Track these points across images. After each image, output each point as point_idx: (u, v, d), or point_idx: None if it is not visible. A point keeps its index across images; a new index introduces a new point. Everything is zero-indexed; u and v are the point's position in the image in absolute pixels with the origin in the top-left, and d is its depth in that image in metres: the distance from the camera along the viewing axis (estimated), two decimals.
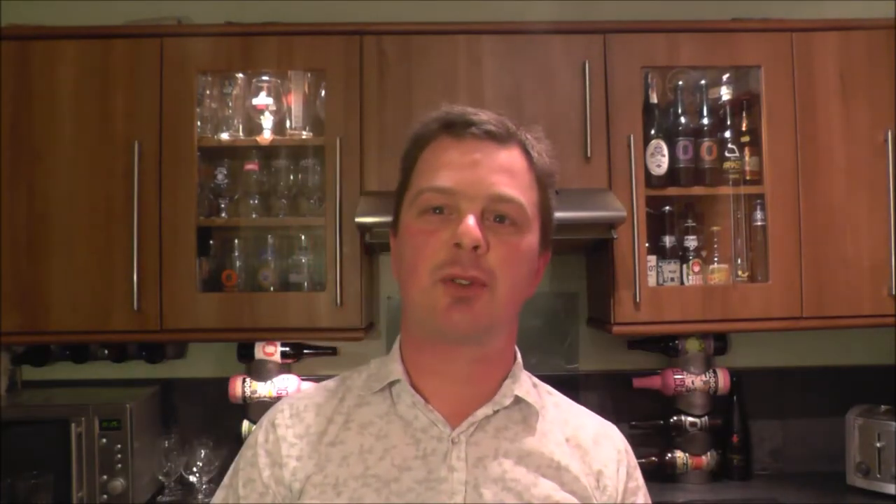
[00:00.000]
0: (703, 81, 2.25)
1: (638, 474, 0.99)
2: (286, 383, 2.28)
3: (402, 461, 0.87)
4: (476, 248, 0.84)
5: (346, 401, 0.93)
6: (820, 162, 2.13)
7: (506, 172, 0.88)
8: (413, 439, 0.89)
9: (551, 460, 0.90)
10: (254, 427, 0.99)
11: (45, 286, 2.05)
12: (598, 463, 0.93)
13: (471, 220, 0.84)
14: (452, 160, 0.88)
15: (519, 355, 0.98)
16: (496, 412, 0.91)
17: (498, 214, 0.86)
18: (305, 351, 2.35)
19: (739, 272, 2.22)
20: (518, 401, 0.93)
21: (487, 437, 0.90)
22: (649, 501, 0.99)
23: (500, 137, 0.89)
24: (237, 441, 2.19)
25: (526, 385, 0.95)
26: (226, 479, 0.94)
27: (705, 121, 2.21)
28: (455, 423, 0.89)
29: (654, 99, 2.21)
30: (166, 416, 2.38)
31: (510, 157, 0.89)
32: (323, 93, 2.16)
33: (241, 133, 2.20)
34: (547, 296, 2.46)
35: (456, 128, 0.89)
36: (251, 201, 2.25)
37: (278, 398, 2.20)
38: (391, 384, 0.92)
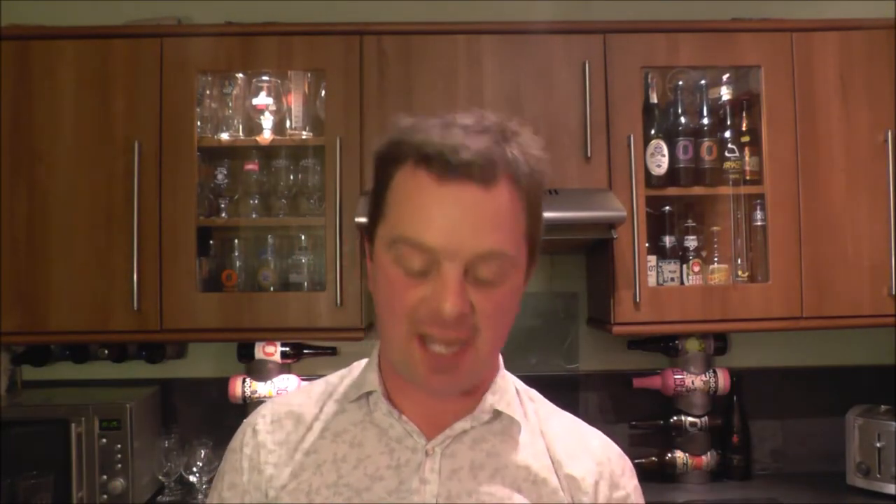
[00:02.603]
0: (703, 81, 2.24)
1: (625, 481, 0.92)
2: (286, 383, 2.28)
3: (375, 470, 0.85)
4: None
5: (326, 407, 0.92)
6: (820, 162, 2.13)
7: (490, 222, 0.78)
8: (387, 448, 0.87)
9: (528, 473, 0.87)
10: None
11: (45, 286, 2.05)
12: (575, 475, 0.89)
13: (454, 287, 0.77)
14: (432, 210, 0.78)
15: (501, 361, 0.93)
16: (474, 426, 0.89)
17: (482, 275, 0.79)
18: (305, 351, 2.35)
19: (739, 272, 2.22)
20: (499, 413, 0.89)
21: (464, 448, 0.87)
22: (642, 502, 0.94)
23: (486, 178, 0.78)
24: None
25: (508, 396, 0.91)
26: (214, 482, 0.94)
27: (705, 121, 2.21)
28: (431, 434, 0.87)
29: (654, 99, 2.21)
30: (166, 416, 2.38)
31: (497, 200, 0.79)
32: (323, 93, 2.16)
33: (241, 133, 2.20)
34: (547, 296, 2.46)
35: (435, 165, 0.78)
36: (251, 201, 2.25)
37: None
38: (368, 393, 0.90)
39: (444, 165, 0.77)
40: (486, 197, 0.78)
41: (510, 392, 0.92)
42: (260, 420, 0.92)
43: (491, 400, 0.89)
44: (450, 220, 0.77)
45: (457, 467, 0.86)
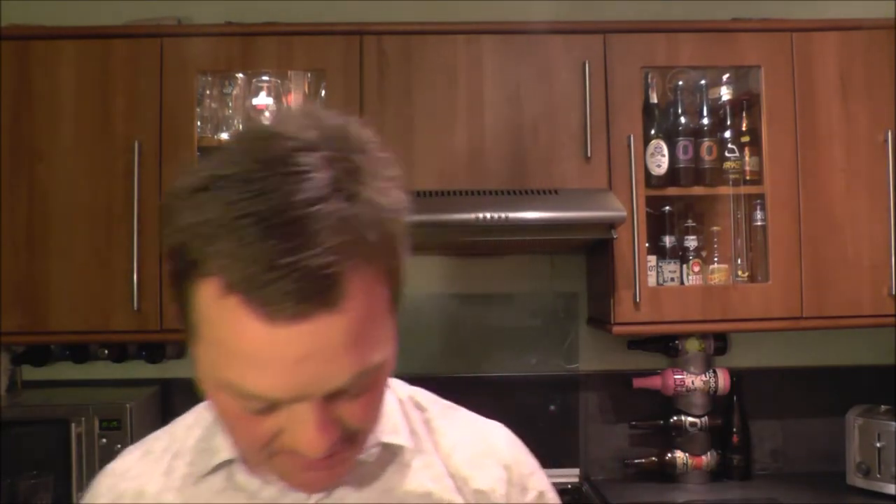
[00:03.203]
0: (703, 81, 2.24)
1: (534, 481, 0.82)
2: None
3: None
4: None
5: (175, 473, 0.77)
6: (820, 162, 2.13)
7: (347, 346, 0.59)
8: None
9: (430, 500, 0.76)
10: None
11: (45, 286, 2.05)
12: (483, 489, 0.79)
13: (314, 425, 0.60)
14: (263, 357, 0.57)
15: None
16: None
17: (351, 392, 0.62)
18: None
19: (739, 272, 2.22)
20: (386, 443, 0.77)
21: (350, 491, 0.75)
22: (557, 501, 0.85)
23: (331, 299, 0.56)
24: None
25: (393, 419, 0.78)
26: None
27: (705, 121, 2.21)
28: None
29: (654, 99, 2.21)
30: (166, 416, 2.36)
31: (350, 312, 0.58)
32: (323, 93, 2.16)
33: None
34: (547, 296, 2.46)
35: (255, 299, 0.55)
36: None
37: None
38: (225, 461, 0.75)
39: (270, 303, 0.55)
40: (335, 319, 0.57)
41: (394, 413, 0.79)
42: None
43: (375, 432, 0.75)
44: (291, 366, 0.58)
45: None
